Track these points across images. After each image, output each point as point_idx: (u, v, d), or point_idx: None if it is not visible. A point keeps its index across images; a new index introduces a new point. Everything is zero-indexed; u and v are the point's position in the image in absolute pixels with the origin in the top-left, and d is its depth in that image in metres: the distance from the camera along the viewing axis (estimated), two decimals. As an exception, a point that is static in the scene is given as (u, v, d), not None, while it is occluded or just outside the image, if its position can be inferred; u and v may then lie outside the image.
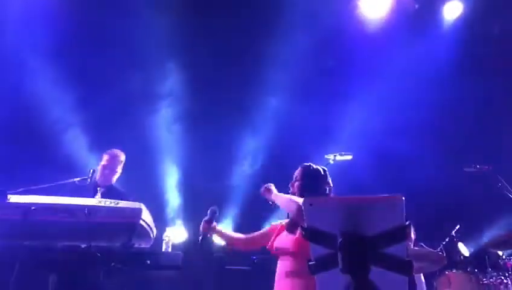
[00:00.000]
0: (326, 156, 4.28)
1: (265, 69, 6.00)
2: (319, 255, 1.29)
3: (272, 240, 2.83)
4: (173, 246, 3.64)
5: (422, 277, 4.55)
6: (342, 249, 1.21)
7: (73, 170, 4.48)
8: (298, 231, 2.57)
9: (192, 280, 5.00)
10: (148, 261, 3.21)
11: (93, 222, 2.87)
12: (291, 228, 2.68)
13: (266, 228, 3.10)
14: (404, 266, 1.25)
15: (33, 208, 2.81)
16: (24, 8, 5.32)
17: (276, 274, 2.67)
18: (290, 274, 2.56)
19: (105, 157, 4.10)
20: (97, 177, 3.94)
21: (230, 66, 6.12)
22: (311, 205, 1.25)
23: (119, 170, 4.13)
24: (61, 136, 5.40)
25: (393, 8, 6.41)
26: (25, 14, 5.32)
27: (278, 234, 2.83)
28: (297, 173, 2.88)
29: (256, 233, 3.11)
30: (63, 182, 3.61)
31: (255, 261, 4.95)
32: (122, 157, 4.19)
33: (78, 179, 3.66)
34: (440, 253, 4.77)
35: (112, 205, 2.95)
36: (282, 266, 2.65)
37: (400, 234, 1.22)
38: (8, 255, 2.92)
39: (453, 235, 5.21)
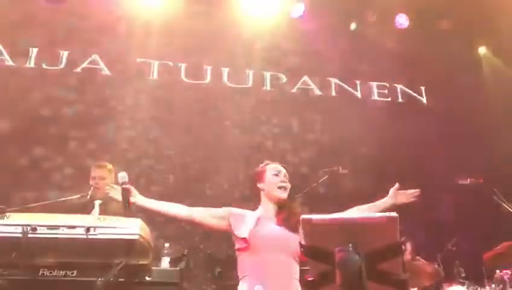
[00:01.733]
0: (322, 171, 4.36)
1: None
2: (318, 271, 1.33)
3: (251, 229, 2.65)
4: (172, 260, 3.65)
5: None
6: (340, 266, 1.25)
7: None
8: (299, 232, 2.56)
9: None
10: (147, 278, 3.22)
11: (92, 239, 2.89)
12: (294, 225, 2.62)
13: (225, 210, 2.81)
14: (400, 282, 1.29)
15: (33, 225, 2.83)
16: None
17: (274, 270, 2.54)
18: (296, 275, 2.60)
19: (93, 170, 4.13)
20: (91, 192, 3.93)
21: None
22: (310, 222, 1.30)
23: (111, 180, 4.13)
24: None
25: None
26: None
27: (256, 225, 2.68)
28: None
29: (207, 211, 2.82)
30: (62, 199, 3.65)
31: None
32: (110, 167, 4.21)
33: (77, 196, 3.69)
34: (437, 266, 4.80)
35: (111, 221, 2.97)
36: (284, 264, 2.59)
37: (395, 251, 1.26)
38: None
39: (449, 248, 5.24)
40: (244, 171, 6.02)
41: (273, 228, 2.69)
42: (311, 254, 1.33)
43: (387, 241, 1.27)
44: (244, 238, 2.62)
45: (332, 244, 1.29)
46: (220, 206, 2.83)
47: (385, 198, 2.96)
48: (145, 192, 2.90)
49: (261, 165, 2.98)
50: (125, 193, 2.82)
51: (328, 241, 1.30)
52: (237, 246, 2.67)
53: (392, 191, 2.99)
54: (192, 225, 2.91)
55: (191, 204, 2.85)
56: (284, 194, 2.81)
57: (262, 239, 2.61)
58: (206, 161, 6.14)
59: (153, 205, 2.88)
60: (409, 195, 3.02)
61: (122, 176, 2.88)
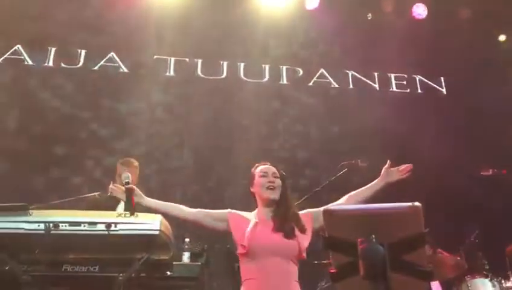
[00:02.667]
0: (341, 164, 4.34)
1: None
2: (340, 263, 1.31)
3: (248, 235, 2.65)
4: (192, 255, 3.67)
5: (438, 284, 4.51)
6: (363, 257, 1.23)
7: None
8: (296, 236, 2.63)
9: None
10: (168, 273, 3.25)
11: (113, 235, 2.92)
12: (289, 232, 2.65)
13: (224, 212, 2.83)
14: (424, 273, 1.27)
15: (55, 222, 2.87)
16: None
17: (274, 275, 2.56)
18: (295, 277, 2.63)
19: (120, 167, 4.15)
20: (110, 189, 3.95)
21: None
22: (331, 214, 1.28)
23: (136, 177, 4.15)
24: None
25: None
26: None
27: (255, 230, 2.69)
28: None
29: (207, 213, 2.86)
30: (84, 195, 3.69)
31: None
32: (136, 164, 4.23)
33: (98, 192, 3.72)
34: (459, 259, 4.73)
35: (131, 217, 2.99)
36: (283, 268, 2.60)
37: (419, 241, 1.24)
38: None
39: (472, 240, 5.16)
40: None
41: (268, 235, 2.66)
42: (333, 245, 1.31)
43: (410, 232, 1.25)
44: (242, 245, 2.63)
45: (354, 235, 1.28)
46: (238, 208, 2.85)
47: (377, 179, 2.92)
48: (162, 189, 2.94)
49: (252, 168, 2.95)
50: (129, 193, 2.84)
51: (350, 233, 1.28)
52: (239, 250, 2.67)
53: (384, 170, 2.93)
54: (195, 226, 2.92)
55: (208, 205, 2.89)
56: (273, 195, 2.76)
57: (259, 245, 2.61)
58: (222, 156, 6.15)
59: (156, 205, 2.91)
60: (402, 171, 2.93)
61: (126, 176, 2.91)
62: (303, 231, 2.67)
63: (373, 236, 1.23)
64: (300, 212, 2.81)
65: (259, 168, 2.91)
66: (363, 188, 2.90)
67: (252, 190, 2.88)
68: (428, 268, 1.30)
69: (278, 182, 2.81)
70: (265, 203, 2.79)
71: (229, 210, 2.84)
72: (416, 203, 1.25)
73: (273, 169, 2.88)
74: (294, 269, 2.63)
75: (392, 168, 2.92)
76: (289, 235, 2.63)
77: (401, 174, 2.92)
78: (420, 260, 1.28)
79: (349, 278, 1.31)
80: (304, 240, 2.67)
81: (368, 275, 1.23)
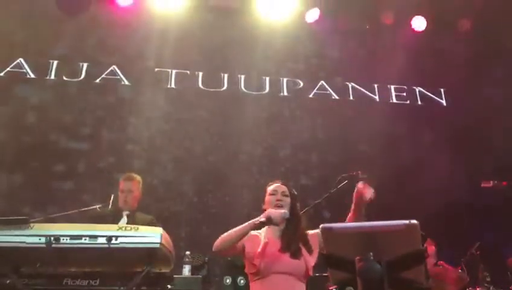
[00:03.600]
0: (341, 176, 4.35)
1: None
2: (339, 279, 1.32)
3: (258, 254, 2.73)
4: (193, 268, 3.67)
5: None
6: (361, 275, 1.24)
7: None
8: (303, 255, 2.69)
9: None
10: (169, 286, 3.24)
11: (113, 248, 2.92)
12: (296, 253, 2.71)
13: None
14: (422, 289, 1.27)
15: (56, 235, 2.87)
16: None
17: None
18: None
19: (123, 183, 4.17)
20: (119, 204, 3.97)
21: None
22: (330, 231, 1.29)
23: (139, 193, 4.18)
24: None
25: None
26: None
27: (264, 250, 2.75)
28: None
29: None
30: (84, 209, 3.70)
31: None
32: (138, 179, 4.26)
33: (99, 205, 3.73)
34: (461, 271, 4.72)
35: (132, 230, 2.99)
36: (290, 286, 2.66)
37: (417, 258, 1.25)
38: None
39: (473, 252, 5.14)
40: (262, 179, 6.06)
41: (276, 254, 2.72)
42: (331, 262, 1.32)
43: (408, 249, 1.26)
44: (253, 264, 2.70)
45: (352, 252, 1.28)
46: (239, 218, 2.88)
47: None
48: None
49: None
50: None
51: (348, 250, 1.29)
52: (249, 269, 2.74)
53: (356, 189, 2.87)
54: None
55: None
56: (284, 213, 2.76)
57: (268, 264, 2.68)
58: (224, 166, 6.16)
59: None
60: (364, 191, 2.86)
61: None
62: (310, 251, 2.72)
63: (371, 254, 1.24)
64: (310, 232, 2.85)
65: (269, 187, 2.96)
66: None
67: (263, 207, 2.91)
68: (427, 285, 1.30)
69: (287, 200, 2.86)
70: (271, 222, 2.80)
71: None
72: (413, 221, 1.26)
73: (283, 188, 2.93)
74: (301, 287, 2.69)
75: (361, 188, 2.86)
76: (295, 256, 2.69)
77: (368, 194, 2.84)
78: (418, 276, 1.28)
79: (347, 294, 1.32)
80: (311, 260, 2.72)
81: (366, 293, 1.24)
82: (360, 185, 2.85)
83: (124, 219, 3.89)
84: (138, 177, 4.27)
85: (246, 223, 2.73)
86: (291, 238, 2.75)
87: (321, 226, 1.35)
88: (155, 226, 3.25)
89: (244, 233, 2.71)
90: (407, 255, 1.26)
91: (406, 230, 1.26)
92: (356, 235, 1.29)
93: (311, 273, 2.71)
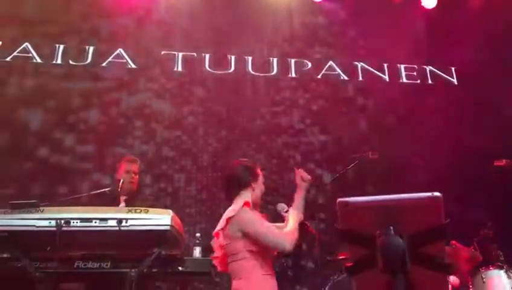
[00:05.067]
0: (352, 157, 4.32)
1: None
2: (356, 256, 1.28)
3: None
4: (203, 250, 3.65)
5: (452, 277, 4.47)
6: (382, 250, 1.20)
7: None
8: None
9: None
10: (180, 268, 3.24)
11: (124, 231, 2.91)
12: None
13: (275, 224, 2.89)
14: (444, 266, 1.23)
15: (66, 219, 2.87)
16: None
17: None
18: None
19: (127, 164, 4.14)
20: (120, 186, 3.92)
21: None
22: (346, 205, 1.25)
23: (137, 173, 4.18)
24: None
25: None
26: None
27: None
28: None
29: (279, 226, 2.90)
30: (94, 192, 3.68)
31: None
32: (138, 161, 4.26)
33: (108, 189, 3.72)
34: (474, 251, 4.68)
35: (142, 213, 2.98)
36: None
37: (439, 233, 1.20)
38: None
39: (486, 231, 5.09)
40: (273, 161, 6.04)
41: None
42: (348, 238, 1.28)
43: (430, 223, 1.21)
44: None
45: (370, 227, 1.24)
46: None
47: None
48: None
49: None
50: None
51: (366, 225, 1.25)
52: (254, 248, 2.69)
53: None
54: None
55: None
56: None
57: None
58: (232, 150, 6.12)
59: None
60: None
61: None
62: None
63: (391, 228, 1.20)
64: None
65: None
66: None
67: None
68: (449, 261, 1.26)
69: None
70: None
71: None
72: (436, 193, 1.21)
73: None
74: None
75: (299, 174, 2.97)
76: None
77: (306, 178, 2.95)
78: (440, 252, 1.24)
79: (365, 271, 1.28)
80: None
81: (388, 269, 1.19)
82: (297, 170, 2.99)
83: (122, 205, 3.86)
84: (137, 160, 4.28)
85: (298, 211, 2.84)
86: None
87: (337, 200, 1.30)
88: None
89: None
90: (430, 229, 1.21)
91: (428, 203, 1.21)
92: (374, 209, 1.24)
93: None
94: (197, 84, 6.45)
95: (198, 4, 6.78)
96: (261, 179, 2.93)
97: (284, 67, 6.78)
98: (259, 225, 2.66)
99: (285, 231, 2.72)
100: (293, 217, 2.80)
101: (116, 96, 6.17)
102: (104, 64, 6.29)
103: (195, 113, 6.25)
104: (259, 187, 2.90)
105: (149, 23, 6.57)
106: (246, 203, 2.71)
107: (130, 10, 6.53)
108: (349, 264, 1.31)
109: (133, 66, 6.36)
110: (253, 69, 6.66)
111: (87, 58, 6.27)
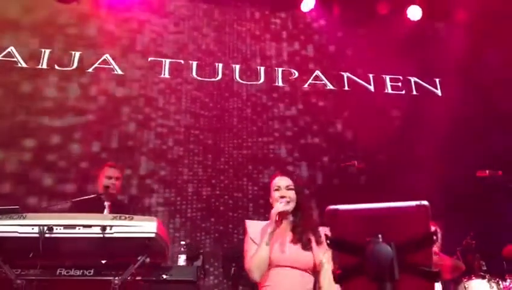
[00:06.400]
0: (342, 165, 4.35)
1: None
2: (344, 264, 1.28)
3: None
4: (188, 258, 3.63)
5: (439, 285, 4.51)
6: (371, 258, 1.20)
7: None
8: (312, 248, 2.69)
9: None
10: (164, 276, 3.20)
11: (108, 238, 2.87)
12: (306, 244, 2.72)
13: (252, 243, 2.87)
14: (431, 274, 1.24)
15: (49, 225, 2.82)
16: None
17: (287, 284, 2.66)
18: (309, 287, 2.70)
19: (109, 170, 4.11)
20: (109, 190, 3.88)
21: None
22: (335, 214, 1.25)
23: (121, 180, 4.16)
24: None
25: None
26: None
27: (271, 241, 2.75)
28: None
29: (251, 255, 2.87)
30: (77, 199, 3.64)
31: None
32: (119, 167, 4.25)
33: (93, 195, 3.68)
34: (457, 260, 4.72)
35: (127, 220, 2.95)
36: (297, 278, 2.67)
37: (426, 241, 1.21)
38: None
39: (468, 241, 5.14)
40: (259, 171, 6.03)
41: (284, 246, 2.73)
42: (337, 246, 1.28)
43: (417, 232, 1.22)
44: None
45: (359, 235, 1.24)
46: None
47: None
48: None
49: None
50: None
51: (354, 233, 1.25)
52: None
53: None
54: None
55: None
56: (285, 207, 2.78)
57: (276, 256, 2.69)
58: (219, 159, 6.11)
59: None
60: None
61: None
62: (319, 243, 2.69)
63: (380, 236, 1.20)
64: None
65: (273, 182, 2.93)
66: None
67: (270, 201, 2.93)
68: (436, 269, 1.27)
69: (291, 194, 2.83)
70: (281, 215, 2.81)
71: (247, 227, 2.91)
72: (424, 202, 1.22)
73: (287, 182, 2.88)
74: (308, 279, 2.71)
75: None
76: (305, 247, 2.71)
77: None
78: (427, 260, 1.25)
79: (354, 279, 1.29)
80: (320, 253, 2.70)
81: (376, 276, 1.20)
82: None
83: (106, 211, 3.83)
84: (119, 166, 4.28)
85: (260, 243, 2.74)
86: (301, 230, 2.76)
87: (326, 208, 1.31)
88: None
89: (264, 250, 2.69)
90: (418, 237, 1.22)
91: (415, 212, 1.22)
92: (363, 217, 1.25)
93: (319, 269, 2.70)
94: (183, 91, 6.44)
95: (186, 12, 6.79)
96: (272, 189, 2.92)
97: (271, 76, 6.80)
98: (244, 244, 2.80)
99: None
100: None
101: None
102: (90, 70, 6.24)
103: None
104: (272, 199, 2.91)
105: (135, 30, 6.56)
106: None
107: (118, 16, 6.50)
108: (338, 271, 1.31)
109: (120, 72, 6.32)
110: (240, 78, 6.68)
111: (73, 64, 6.21)
